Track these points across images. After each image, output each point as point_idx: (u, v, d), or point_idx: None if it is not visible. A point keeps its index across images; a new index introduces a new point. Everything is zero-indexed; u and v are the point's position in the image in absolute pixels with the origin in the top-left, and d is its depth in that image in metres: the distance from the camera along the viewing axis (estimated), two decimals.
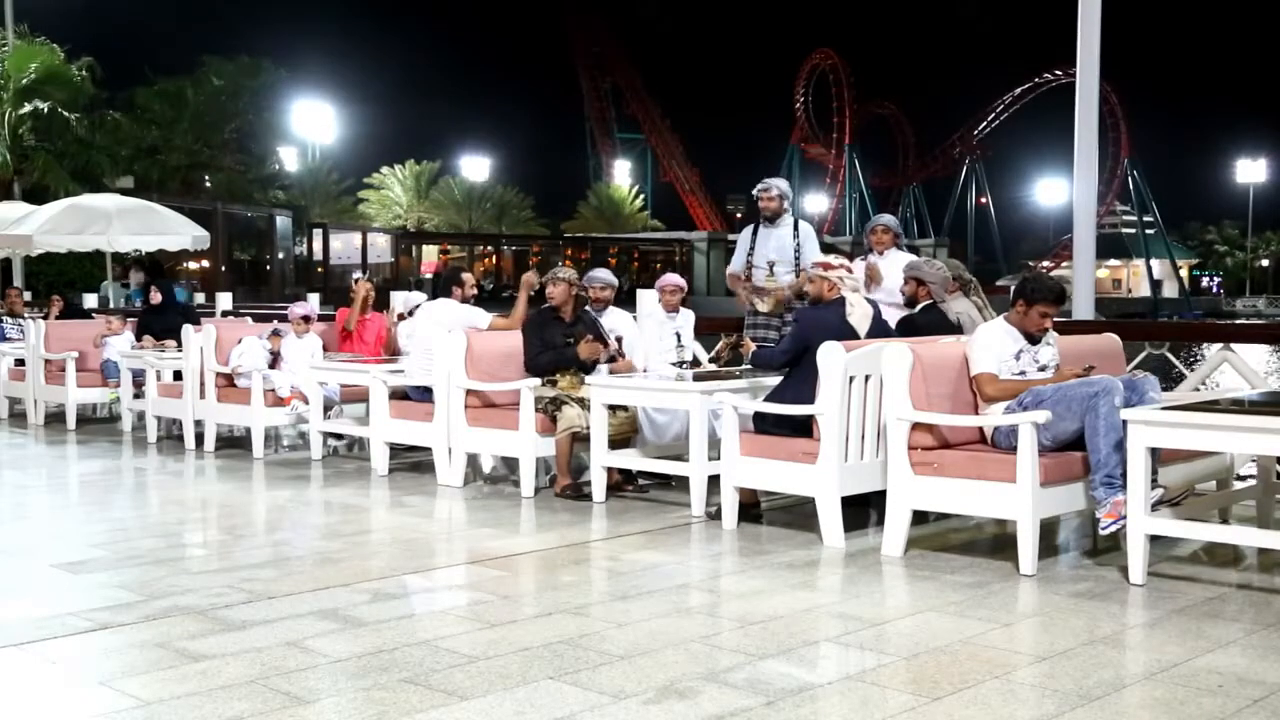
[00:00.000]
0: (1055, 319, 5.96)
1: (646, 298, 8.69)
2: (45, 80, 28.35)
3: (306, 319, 9.63)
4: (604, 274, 8.25)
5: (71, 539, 6.33)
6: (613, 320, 8.05)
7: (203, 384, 9.62)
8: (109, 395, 11.33)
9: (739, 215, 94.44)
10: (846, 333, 6.20)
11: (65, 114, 28.13)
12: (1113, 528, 5.24)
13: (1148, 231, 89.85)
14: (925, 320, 6.79)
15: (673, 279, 8.29)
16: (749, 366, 6.97)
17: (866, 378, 5.97)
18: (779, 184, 8.33)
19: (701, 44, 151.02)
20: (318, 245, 50.67)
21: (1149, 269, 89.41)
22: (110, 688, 3.84)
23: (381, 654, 4.19)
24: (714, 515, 6.51)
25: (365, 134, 76.16)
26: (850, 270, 6.51)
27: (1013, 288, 6.12)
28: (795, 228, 8.19)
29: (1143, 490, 5.06)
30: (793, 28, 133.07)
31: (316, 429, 9.00)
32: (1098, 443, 5.30)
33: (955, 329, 6.69)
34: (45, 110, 27.87)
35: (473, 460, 7.82)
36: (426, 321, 8.23)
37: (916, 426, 5.66)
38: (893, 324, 6.91)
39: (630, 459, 7.23)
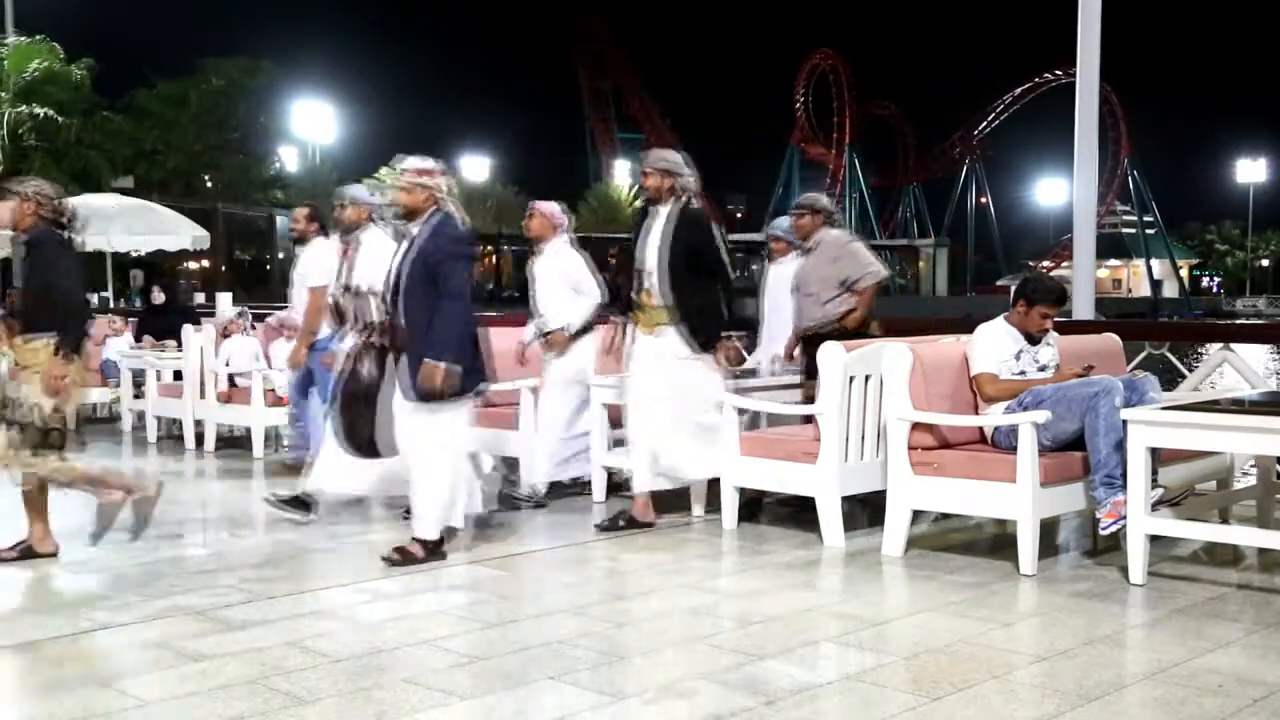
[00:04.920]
0: (1055, 319, 5.97)
1: None
2: (45, 80, 28.35)
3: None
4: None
5: (71, 539, 6.32)
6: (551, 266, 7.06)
7: (203, 384, 9.62)
8: (109, 395, 11.32)
9: (739, 215, 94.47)
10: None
11: (59, 117, 28.10)
12: (1113, 528, 5.24)
13: (1148, 231, 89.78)
14: (695, 213, 6.12)
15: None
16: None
17: (866, 378, 5.97)
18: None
19: (702, 45, 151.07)
20: None
21: (1149, 269, 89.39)
22: (110, 688, 3.84)
23: (381, 654, 4.19)
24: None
25: (365, 134, 75.93)
26: (449, 177, 5.66)
27: (1013, 288, 6.12)
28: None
29: (1143, 490, 5.06)
30: (793, 28, 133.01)
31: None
32: (1098, 443, 5.30)
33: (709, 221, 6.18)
34: (42, 113, 27.85)
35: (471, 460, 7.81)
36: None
37: (916, 426, 5.66)
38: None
39: (627, 459, 7.21)
